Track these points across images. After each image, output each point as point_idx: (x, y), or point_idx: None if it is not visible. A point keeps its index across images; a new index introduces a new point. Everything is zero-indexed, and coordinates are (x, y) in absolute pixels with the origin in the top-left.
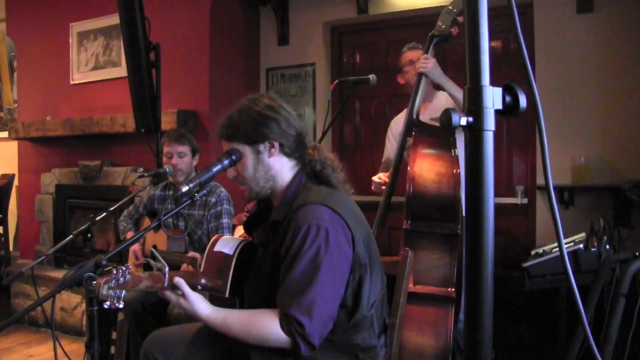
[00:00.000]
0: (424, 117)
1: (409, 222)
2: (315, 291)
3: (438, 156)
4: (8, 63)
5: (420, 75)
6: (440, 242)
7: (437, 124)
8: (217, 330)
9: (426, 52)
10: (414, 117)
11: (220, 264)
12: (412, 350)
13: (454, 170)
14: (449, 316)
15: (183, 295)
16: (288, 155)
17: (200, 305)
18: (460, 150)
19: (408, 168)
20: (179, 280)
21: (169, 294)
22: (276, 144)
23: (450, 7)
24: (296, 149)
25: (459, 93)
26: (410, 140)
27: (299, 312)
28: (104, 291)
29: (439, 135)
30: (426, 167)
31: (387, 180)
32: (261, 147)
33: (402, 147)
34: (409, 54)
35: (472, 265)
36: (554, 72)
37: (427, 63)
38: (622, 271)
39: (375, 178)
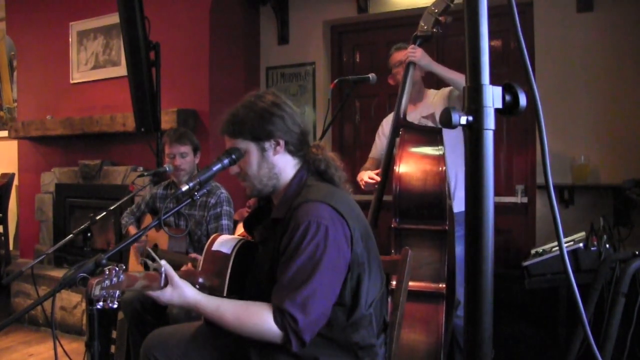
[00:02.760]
0: (415, 116)
1: (397, 220)
2: (311, 288)
3: (423, 154)
4: (8, 62)
5: (408, 65)
6: (429, 239)
7: (429, 122)
8: (209, 318)
9: None
10: (401, 117)
11: (219, 264)
12: (404, 346)
13: (440, 168)
14: (440, 312)
15: (171, 282)
16: (292, 153)
17: (188, 290)
18: (448, 148)
19: (394, 167)
20: (165, 264)
21: (156, 294)
22: (282, 142)
23: (432, 8)
24: (300, 147)
25: (453, 74)
26: (398, 140)
27: (293, 307)
28: (97, 292)
29: (425, 134)
30: (412, 166)
31: (378, 179)
32: (267, 144)
33: (391, 146)
34: (397, 55)
35: (472, 265)
36: (553, 71)
37: (415, 52)
38: (622, 270)
39: (365, 177)
